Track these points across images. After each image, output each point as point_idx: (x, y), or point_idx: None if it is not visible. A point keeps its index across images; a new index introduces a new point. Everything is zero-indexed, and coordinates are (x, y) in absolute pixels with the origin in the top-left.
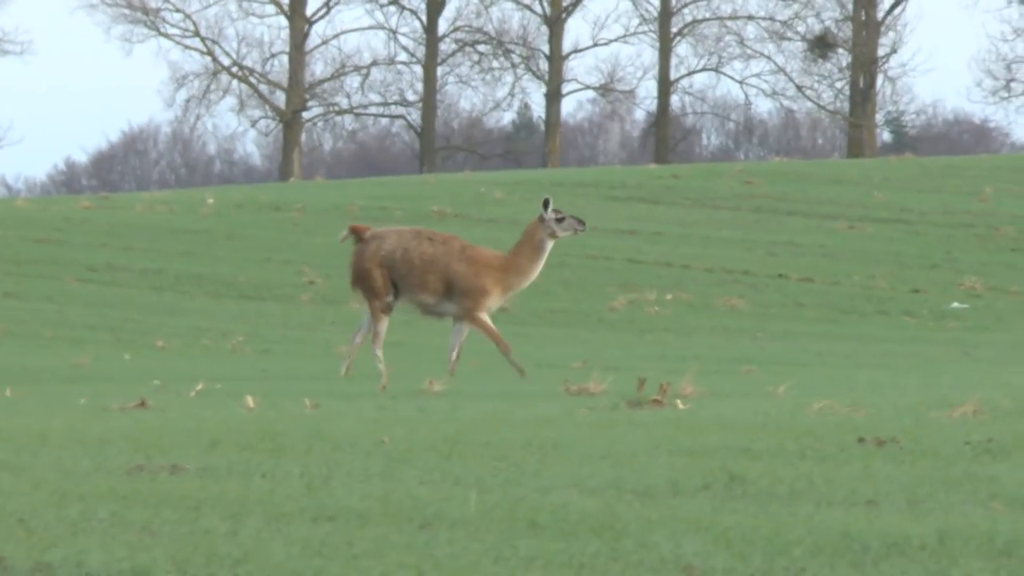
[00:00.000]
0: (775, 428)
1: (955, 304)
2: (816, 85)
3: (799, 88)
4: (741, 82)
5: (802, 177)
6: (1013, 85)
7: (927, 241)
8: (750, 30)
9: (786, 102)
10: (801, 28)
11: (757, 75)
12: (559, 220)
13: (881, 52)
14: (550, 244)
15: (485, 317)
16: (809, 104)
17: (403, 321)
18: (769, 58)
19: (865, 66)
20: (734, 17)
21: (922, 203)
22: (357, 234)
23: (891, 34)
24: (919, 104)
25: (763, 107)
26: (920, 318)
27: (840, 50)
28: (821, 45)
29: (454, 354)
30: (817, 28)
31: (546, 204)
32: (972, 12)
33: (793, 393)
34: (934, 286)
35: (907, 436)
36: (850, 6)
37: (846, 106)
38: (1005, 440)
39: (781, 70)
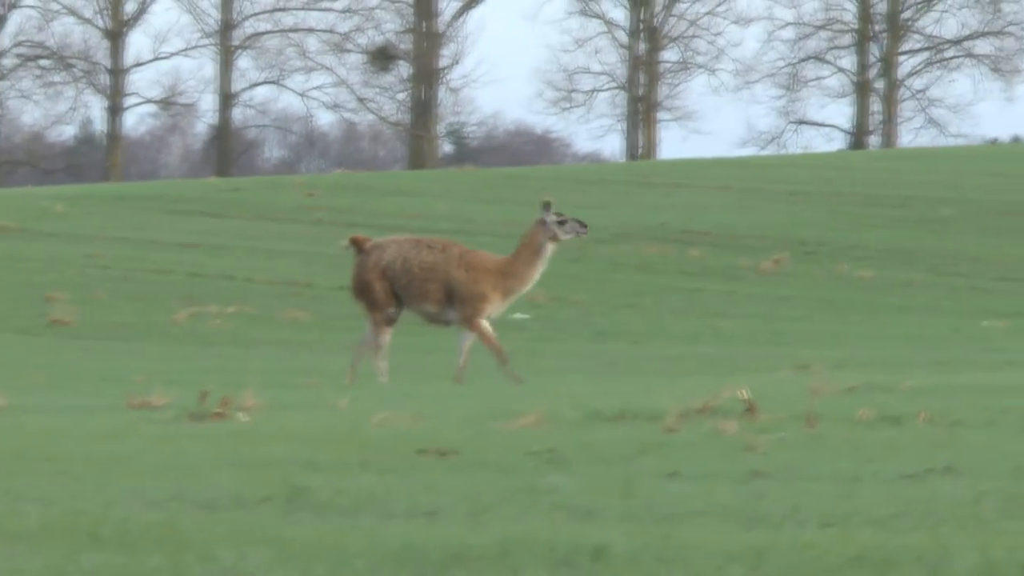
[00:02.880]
0: (337, 441)
1: (518, 315)
2: (378, 97)
3: (361, 100)
4: (303, 95)
5: (364, 189)
6: (574, 95)
7: (490, 252)
8: (311, 43)
9: (347, 114)
10: (362, 40)
11: (319, 88)
12: (560, 223)
13: (443, 63)
14: (551, 247)
15: (485, 325)
16: (371, 116)
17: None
18: (331, 70)
19: (426, 78)
20: (295, 29)
21: (483, 214)
22: (358, 245)
23: (452, 45)
24: (481, 115)
25: (325, 120)
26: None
27: (401, 62)
28: (382, 57)
29: (461, 360)
30: (378, 40)
31: (547, 207)
32: (534, 24)
33: (355, 406)
34: None
35: (468, 447)
36: (411, 18)
37: (408, 118)
38: (566, 450)
39: (343, 82)
